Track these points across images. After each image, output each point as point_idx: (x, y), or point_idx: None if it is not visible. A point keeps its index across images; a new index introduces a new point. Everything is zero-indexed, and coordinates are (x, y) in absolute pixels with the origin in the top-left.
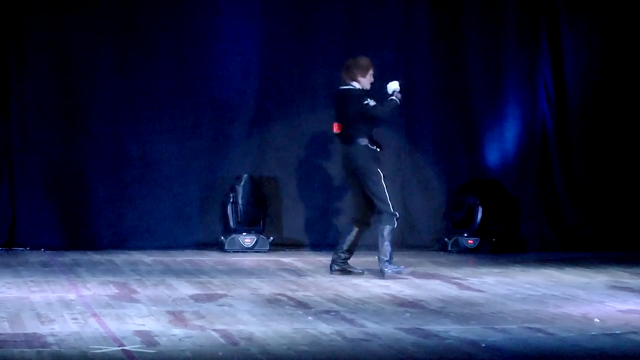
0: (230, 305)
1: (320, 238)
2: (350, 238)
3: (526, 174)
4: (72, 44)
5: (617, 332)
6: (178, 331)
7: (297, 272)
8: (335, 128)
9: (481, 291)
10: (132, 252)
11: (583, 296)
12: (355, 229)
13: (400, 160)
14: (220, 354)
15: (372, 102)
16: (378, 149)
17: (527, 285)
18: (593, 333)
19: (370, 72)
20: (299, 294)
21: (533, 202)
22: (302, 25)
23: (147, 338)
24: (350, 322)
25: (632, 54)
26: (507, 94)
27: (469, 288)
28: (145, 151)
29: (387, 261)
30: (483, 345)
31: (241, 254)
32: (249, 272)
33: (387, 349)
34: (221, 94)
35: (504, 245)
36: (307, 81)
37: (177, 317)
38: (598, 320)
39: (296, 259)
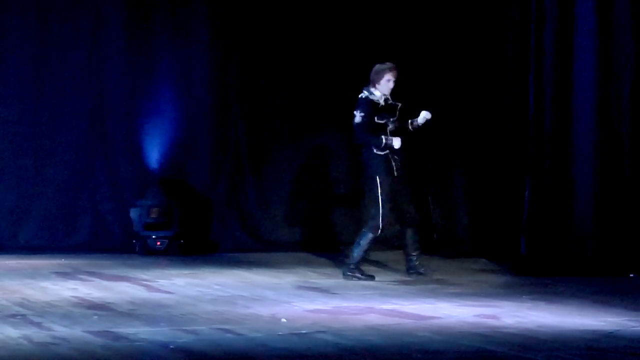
0: None
1: (7, 241)
2: (405, 241)
3: (219, 176)
4: None
5: (305, 331)
6: None
7: None
8: None
9: (171, 293)
10: None
11: (272, 296)
12: (406, 230)
13: (91, 161)
14: None
15: (358, 117)
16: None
17: (217, 287)
18: (281, 333)
19: (386, 77)
20: None
21: (226, 203)
22: None
23: None
24: (38, 325)
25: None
26: (197, 97)
27: (158, 290)
28: None
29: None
30: (172, 347)
31: None
32: None
33: (76, 352)
34: None
35: (195, 247)
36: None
37: None
38: (285, 320)
39: None
